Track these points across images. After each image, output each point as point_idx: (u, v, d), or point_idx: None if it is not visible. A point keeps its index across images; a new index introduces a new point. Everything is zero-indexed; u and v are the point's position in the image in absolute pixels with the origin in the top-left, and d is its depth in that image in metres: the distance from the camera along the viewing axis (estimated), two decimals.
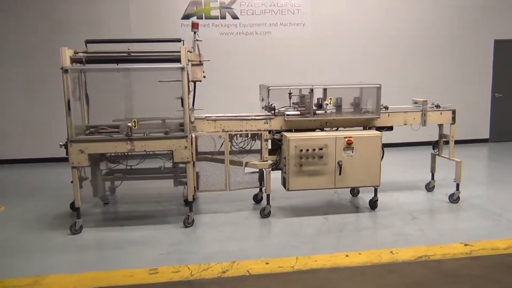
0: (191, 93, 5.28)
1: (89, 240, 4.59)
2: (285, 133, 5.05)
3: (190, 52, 5.12)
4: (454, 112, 5.52)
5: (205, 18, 8.62)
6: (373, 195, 5.34)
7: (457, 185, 5.55)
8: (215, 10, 8.64)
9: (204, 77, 5.40)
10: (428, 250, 4.14)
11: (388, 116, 5.39)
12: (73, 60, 4.74)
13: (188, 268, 3.86)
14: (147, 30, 8.45)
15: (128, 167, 5.45)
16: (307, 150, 4.90)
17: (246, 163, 5.19)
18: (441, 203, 5.55)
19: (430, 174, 6.06)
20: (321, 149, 4.92)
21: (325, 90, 5.25)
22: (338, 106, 5.29)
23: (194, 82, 5.35)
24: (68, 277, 3.76)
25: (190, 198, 4.89)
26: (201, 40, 5.21)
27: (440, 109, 5.52)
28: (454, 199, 5.52)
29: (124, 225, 5.01)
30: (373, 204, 5.34)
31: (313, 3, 8.80)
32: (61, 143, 4.67)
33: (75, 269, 3.90)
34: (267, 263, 3.94)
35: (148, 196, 6.01)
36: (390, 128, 5.49)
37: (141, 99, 5.40)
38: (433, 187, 6.05)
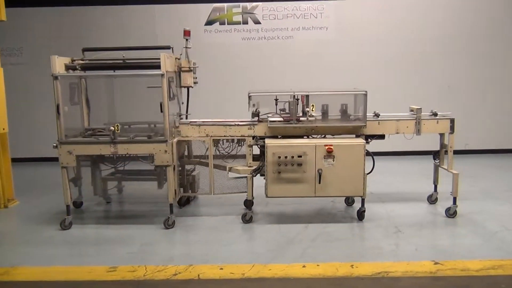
0: (183, 99, 5.52)
1: (74, 236, 4.90)
2: (266, 140, 5.05)
3: (178, 59, 5.29)
4: (452, 121, 5.19)
5: (228, 24, 8.79)
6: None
7: (454, 199, 5.21)
8: (237, 16, 8.78)
9: (196, 83, 5.56)
10: (391, 266, 3.96)
11: (378, 124, 5.20)
12: (68, 67, 5.09)
13: (145, 268, 4.01)
14: (172, 36, 8.66)
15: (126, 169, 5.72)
16: (286, 157, 4.86)
17: (230, 168, 5.25)
18: (436, 217, 5.24)
19: (433, 186, 5.73)
20: (300, 156, 4.86)
21: (307, 96, 5.16)
22: (324, 113, 5.18)
23: (187, 88, 5.54)
24: (36, 269, 4.06)
25: (171, 200, 5.05)
26: (190, 47, 5.36)
27: (437, 117, 5.21)
28: (450, 213, 5.19)
29: (113, 223, 5.30)
30: (360, 215, 5.17)
31: (337, 7, 8.65)
32: (54, 144, 5.03)
33: (48, 262, 4.19)
34: (221, 269, 3.99)
35: (149, 196, 6.24)
36: (381, 137, 5.29)
37: (134, 103, 5.63)
38: (436, 199, 5.72)
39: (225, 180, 5.44)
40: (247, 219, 5.16)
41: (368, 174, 5.46)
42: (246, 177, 5.36)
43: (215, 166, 5.30)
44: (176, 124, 5.19)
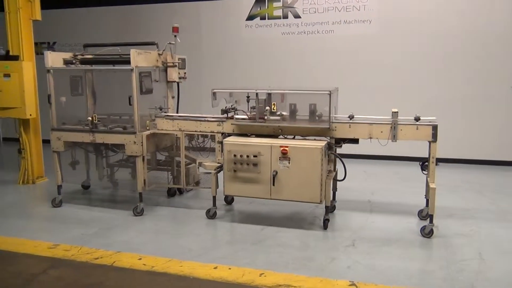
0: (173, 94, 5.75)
1: (56, 214, 5.45)
2: (226, 138, 5.00)
3: (161, 54, 5.50)
4: (435, 128, 4.53)
5: (268, 19, 8.73)
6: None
7: (431, 217, 4.58)
8: (278, 10, 8.66)
9: (185, 78, 5.73)
10: (300, 280, 3.68)
11: (349, 127, 4.78)
12: (66, 62, 5.65)
13: (79, 249, 4.33)
14: (215, 32, 9.05)
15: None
16: (241, 156, 4.77)
17: (200, 163, 5.32)
18: (411, 235, 4.65)
19: (425, 200, 5.08)
20: (255, 156, 4.73)
21: (269, 95, 4.95)
22: (292, 113, 4.94)
23: (177, 83, 5.75)
24: (2, 238, 4.66)
25: (139, 190, 5.31)
26: (173, 43, 5.51)
27: (417, 123, 4.60)
28: (425, 233, 4.57)
29: (97, 205, 5.76)
30: (323, 223, 4.84)
31: None
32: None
33: (17, 234, 4.77)
34: (139, 259, 4.13)
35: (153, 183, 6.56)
36: (354, 141, 4.86)
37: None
38: (427, 215, 5.06)
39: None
40: (210, 215, 5.19)
41: (340, 181, 5.12)
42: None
43: (187, 158, 5.41)
44: (153, 117, 5.41)
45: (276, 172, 4.67)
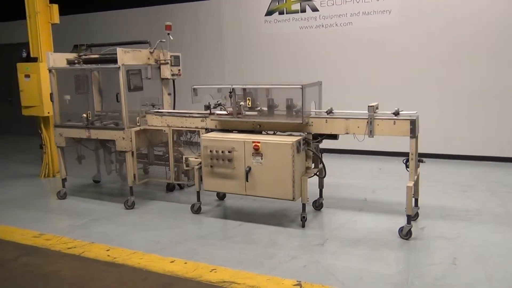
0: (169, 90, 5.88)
1: (57, 205, 5.80)
2: (205, 133, 5.03)
3: (152, 52, 5.64)
4: (413, 122, 4.24)
5: (286, 13, 8.62)
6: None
7: (408, 218, 4.29)
8: (296, 4, 8.51)
9: (179, 75, 5.85)
10: (247, 278, 3.62)
11: (326, 122, 4.61)
12: (69, 62, 5.97)
13: (59, 239, 4.58)
14: (236, 28, 9.09)
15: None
16: (217, 151, 4.78)
17: (186, 158, 5.40)
18: (389, 236, 4.39)
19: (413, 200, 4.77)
20: (229, 152, 4.72)
21: (244, 90, 4.88)
22: (270, 108, 4.85)
23: (173, 80, 5.89)
24: None
25: (130, 184, 5.50)
26: (164, 41, 5.63)
27: (395, 118, 4.33)
28: (403, 234, 4.30)
29: (98, 198, 6.03)
30: (300, 221, 4.72)
31: None
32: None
33: (14, 222, 5.12)
34: (107, 250, 4.28)
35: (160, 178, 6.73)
36: (333, 137, 4.69)
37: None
38: (416, 215, 4.76)
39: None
40: (195, 210, 5.25)
41: (322, 177, 4.97)
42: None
43: (180, 154, 5.51)
44: (143, 113, 5.57)
45: (250, 168, 4.63)
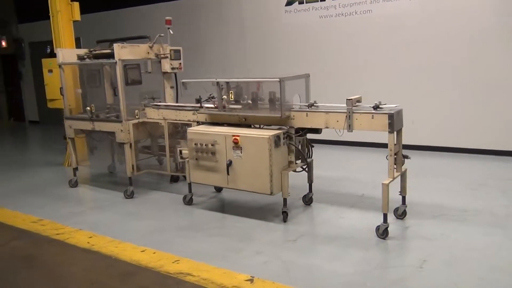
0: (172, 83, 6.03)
1: (66, 193, 6.13)
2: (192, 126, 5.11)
3: (151, 47, 5.79)
4: (391, 117, 4.02)
5: (306, 3, 8.45)
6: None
7: (384, 216, 4.10)
8: None
9: (179, 68, 5.97)
10: (203, 270, 3.66)
11: (307, 115, 4.50)
12: (79, 57, 6.27)
13: (53, 225, 4.87)
14: (256, 19, 9.06)
15: None
16: (201, 144, 4.84)
17: (180, 150, 5.50)
18: (368, 234, 4.22)
19: (401, 197, 4.56)
20: (212, 145, 4.76)
21: (227, 83, 4.86)
22: (254, 101, 4.82)
23: (175, 74, 6.03)
24: (4, 210, 5.46)
25: (129, 174, 5.71)
26: (162, 35, 5.76)
27: (373, 112, 4.13)
28: (380, 233, 4.12)
29: (107, 187, 6.31)
30: (281, 215, 4.68)
31: None
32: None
33: (21, 208, 5.49)
34: (90, 237, 4.50)
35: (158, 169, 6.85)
36: (314, 131, 4.58)
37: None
38: (404, 213, 4.55)
39: None
40: (187, 201, 5.36)
41: (298, 172, 4.87)
42: None
43: (178, 144, 5.64)
44: (143, 107, 5.74)
45: (230, 162, 4.64)
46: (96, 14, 10.86)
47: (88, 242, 4.36)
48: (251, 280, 3.46)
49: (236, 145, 4.56)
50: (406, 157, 4.38)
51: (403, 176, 4.48)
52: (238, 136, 4.55)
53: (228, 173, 4.66)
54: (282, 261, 3.79)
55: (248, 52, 9.19)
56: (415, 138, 7.04)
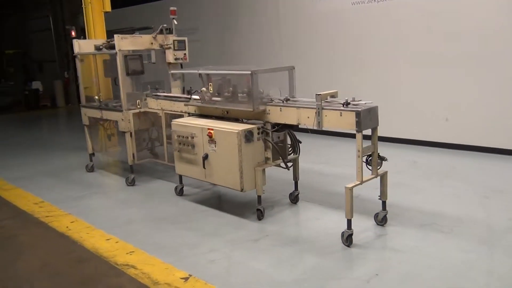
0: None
1: (80, 177, 6.44)
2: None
3: (155, 37, 5.86)
4: (358, 115, 3.67)
5: None
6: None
7: (348, 222, 3.79)
8: None
9: (184, 59, 6.00)
10: (148, 263, 3.67)
11: (280, 110, 4.28)
12: (96, 48, 6.53)
13: (48, 207, 5.17)
14: (292, 10, 8.80)
15: None
16: (182, 136, 4.82)
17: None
18: (335, 239, 3.94)
19: (381, 202, 4.19)
20: (192, 137, 4.72)
21: (207, 75, 4.73)
22: (233, 94, 4.68)
23: (181, 64, 6.08)
24: (18, 190, 5.89)
25: (130, 162, 5.87)
26: (165, 26, 5.79)
27: (342, 109, 3.80)
28: (344, 240, 3.83)
29: (117, 173, 6.57)
30: (256, 213, 4.53)
31: None
32: None
33: (32, 189, 5.88)
34: (72, 222, 4.71)
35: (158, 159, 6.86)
36: (289, 126, 4.35)
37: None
38: (384, 219, 4.18)
39: None
40: (177, 192, 5.39)
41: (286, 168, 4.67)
42: None
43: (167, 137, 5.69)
44: (144, 97, 5.84)
45: (207, 155, 4.57)
46: (130, 8, 11.17)
47: (67, 227, 4.56)
48: (186, 279, 3.39)
49: (211, 138, 4.48)
50: (383, 158, 3.99)
51: (382, 179, 4.10)
52: (212, 129, 4.46)
53: (204, 167, 4.60)
54: (230, 262, 3.67)
55: (283, 41, 8.96)
56: (449, 136, 6.51)
